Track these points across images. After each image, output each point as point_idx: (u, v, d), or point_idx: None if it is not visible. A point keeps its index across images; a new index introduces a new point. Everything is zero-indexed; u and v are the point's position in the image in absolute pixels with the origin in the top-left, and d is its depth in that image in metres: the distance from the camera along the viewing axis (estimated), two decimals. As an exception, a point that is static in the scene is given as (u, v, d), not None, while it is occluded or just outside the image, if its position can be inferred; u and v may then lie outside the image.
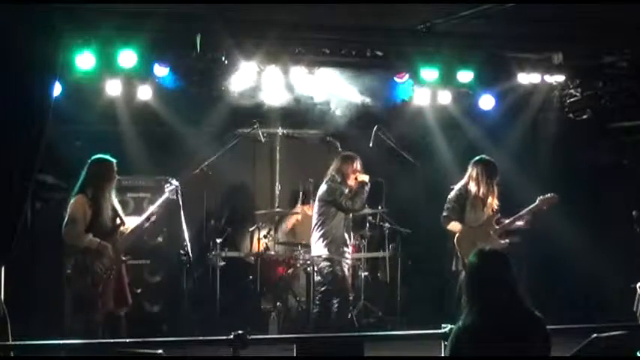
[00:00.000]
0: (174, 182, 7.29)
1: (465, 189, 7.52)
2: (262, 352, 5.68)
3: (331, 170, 8.01)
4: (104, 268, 6.70)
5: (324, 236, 7.90)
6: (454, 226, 7.49)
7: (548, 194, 7.59)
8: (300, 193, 9.74)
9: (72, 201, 6.72)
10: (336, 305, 7.89)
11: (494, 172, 7.50)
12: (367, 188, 7.96)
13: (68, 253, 6.81)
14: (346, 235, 8.13)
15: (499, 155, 7.87)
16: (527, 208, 7.58)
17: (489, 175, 7.46)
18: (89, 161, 6.81)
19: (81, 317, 6.76)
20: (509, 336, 3.86)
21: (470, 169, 7.55)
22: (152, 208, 7.15)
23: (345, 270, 8.00)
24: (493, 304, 3.90)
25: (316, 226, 8.02)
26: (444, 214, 7.55)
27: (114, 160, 6.85)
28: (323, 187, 8.00)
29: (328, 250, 7.87)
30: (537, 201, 7.57)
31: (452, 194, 7.60)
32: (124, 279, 6.96)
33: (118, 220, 6.90)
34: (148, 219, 7.10)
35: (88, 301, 6.66)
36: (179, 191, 7.24)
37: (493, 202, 7.53)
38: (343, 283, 7.94)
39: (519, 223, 7.61)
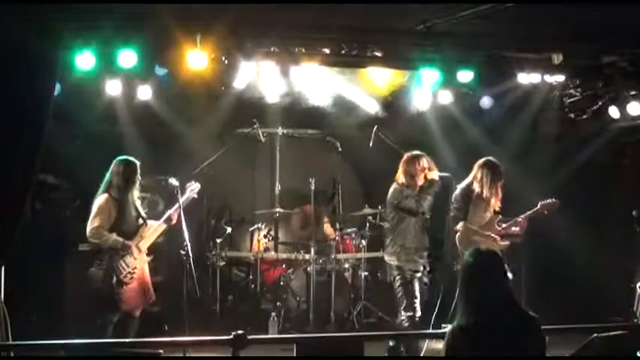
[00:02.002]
0: (175, 183, 7.29)
1: (468, 189, 7.51)
2: (262, 352, 5.68)
3: (398, 174, 7.54)
4: (128, 267, 6.75)
5: (392, 243, 7.43)
6: (463, 226, 7.47)
7: (549, 200, 7.58)
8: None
9: (97, 200, 6.80)
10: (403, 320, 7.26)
11: (498, 175, 7.47)
12: (436, 187, 7.47)
13: (74, 252, 6.82)
14: (425, 241, 7.53)
15: (499, 155, 7.86)
16: (528, 213, 7.56)
17: (494, 177, 7.44)
18: (114, 162, 6.90)
19: (98, 316, 6.80)
20: (503, 335, 3.88)
21: (475, 170, 7.52)
22: (174, 208, 7.18)
23: (414, 280, 7.32)
24: (487, 303, 3.92)
25: (387, 232, 7.62)
26: (452, 214, 7.51)
27: (137, 162, 6.92)
28: (389, 191, 7.59)
29: (397, 257, 7.36)
30: (538, 205, 7.56)
31: (457, 194, 7.55)
32: (148, 278, 7.04)
33: (141, 220, 6.94)
34: (170, 219, 7.13)
35: (111, 299, 6.72)
36: (179, 191, 7.24)
37: (496, 204, 7.51)
38: (412, 293, 7.28)
39: (515, 228, 7.58)
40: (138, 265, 6.88)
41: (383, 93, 9.04)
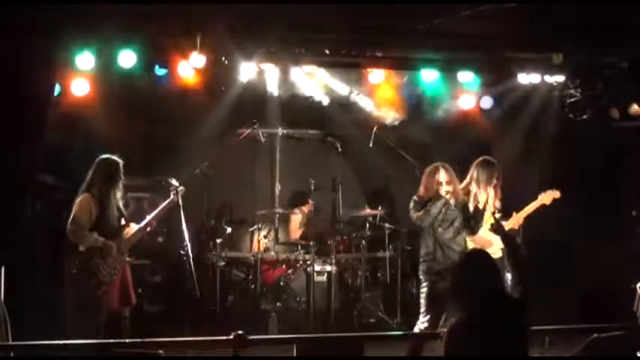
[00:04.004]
0: (175, 183, 7.25)
1: (466, 190, 7.49)
2: (262, 352, 5.69)
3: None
4: (108, 268, 6.70)
5: (422, 255, 7.13)
6: None
7: (550, 191, 7.62)
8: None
9: (78, 199, 6.69)
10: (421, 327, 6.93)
11: (494, 173, 7.45)
12: (441, 203, 6.97)
13: (72, 253, 6.79)
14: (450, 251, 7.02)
15: (499, 156, 7.86)
16: (531, 206, 7.57)
17: (490, 176, 7.42)
18: (96, 160, 6.79)
19: (84, 317, 6.75)
20: (495, 330, 3.98)
21: (471, 169, 7.52)
22: (157, 210, 7.14)
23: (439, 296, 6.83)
24: (479, 300, 4.03)
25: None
26: None
27: (120, 161, 6.84)
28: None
29: (421, 269, 7.07)
30: (538, 197, 7.59)
31: None
32: (129, 279, 6.95)
33: (123, 221, 6.90)
34: (148, 224, 7.07)
35: (92, 301, 6.65)
36: (177, 192, 7.21)
37: (494, 203, 7.49)
38: (432, 306, 6.86)
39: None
40: (118, 265, 6.76)
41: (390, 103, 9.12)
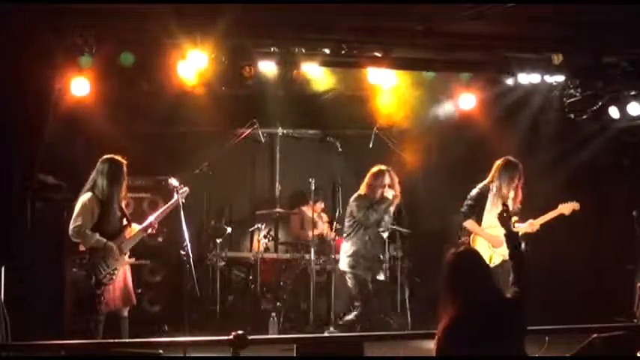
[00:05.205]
0: (176, 183, 7.24)
1: (485, 188, 7.46)
2: (262, 352, 5.69)
3: (362, 185, 7.98)
4: (108, 268, 6.70)
5: (348, 250, 7.94)
6: (471, 224, 7.43)
7: (570, 202, 7.58)
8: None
9: (81, 199, 6.70)
10: (352, 317, 7.91)
11: (517, 174, 7.40)
12: (387, 204, 7.88)
13: (72, 252, 6.78)
14: (378, 251, 8.10)
15: (499, 156, 7.85)
16: (549, 214, 7.54)
17: (512, 177, 7.37)
18: (100, 160, 6.80)
19: (84, 317, 6.75)
20: (490, 328, 4.00)
21: (493, 169, 7.47)
22: (160, 211, 7.15)
23: (369, 286, 7.89)
24: (473, 300, 4.04)
25: (344, 240, 8.10)
26: (463, 209, 7.47)
27: (124, 161, 6.84)
28: (350, 202, 8.01)
29: (348, 264, 7.91)
30: (558, 207, 7.55)
31: (473, 192, 7.48)
32: (129, 279, 6.95)
33: (125, 221, 6.90)
34: (150, 225, 7.06)
35: (91, 300, 6.65)
36: (178, 191, 7.21)
37: (515, 205, 7.41)
38: (363, 298, 7.85)
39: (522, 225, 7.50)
40: (118, 266, 6.77)
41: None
